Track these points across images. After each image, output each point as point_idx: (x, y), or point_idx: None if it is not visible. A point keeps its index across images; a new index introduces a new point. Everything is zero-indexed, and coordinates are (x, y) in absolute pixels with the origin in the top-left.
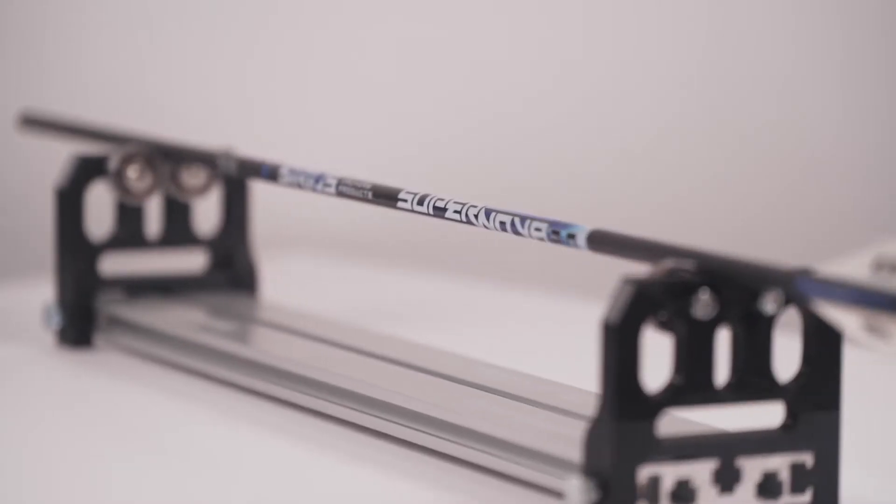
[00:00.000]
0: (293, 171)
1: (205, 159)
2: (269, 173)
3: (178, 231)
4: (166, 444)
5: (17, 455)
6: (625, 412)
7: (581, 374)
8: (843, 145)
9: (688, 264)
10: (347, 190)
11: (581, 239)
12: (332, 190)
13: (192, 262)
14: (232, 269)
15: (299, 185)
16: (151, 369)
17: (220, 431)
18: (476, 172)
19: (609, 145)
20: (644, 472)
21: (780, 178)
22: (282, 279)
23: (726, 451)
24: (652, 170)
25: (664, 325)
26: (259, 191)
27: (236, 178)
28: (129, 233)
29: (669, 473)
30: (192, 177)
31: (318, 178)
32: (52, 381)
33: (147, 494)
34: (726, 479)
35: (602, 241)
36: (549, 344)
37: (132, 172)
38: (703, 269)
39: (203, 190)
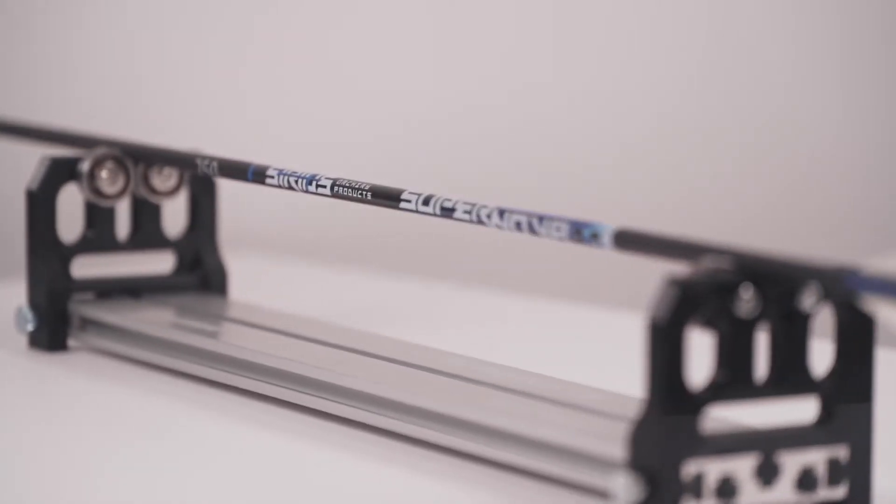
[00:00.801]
0: (283, 173)
1: (184, 162)
2: (256, 174)
3: (147, 233)
4: (150, 442)
5: None
6: (672, 409)
7: (558, 369)
8: (843, 145)
9: (728, 262)
10: (344, 191)
11: (606, 238)
12: (327, 191)
13: (160, 263)
14: (201, 271)
15: (290, 187)
16: (128, 369)
17: (205, 429)
18: (455, 171)
19: (606, 145)
20: (689, 468)
21: (779, 178)
22: (248, 280)
23: (766, 446)
24: (651, 170)
25: (707, 324)
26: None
27: (209, 179)
28: (99, 235)
29: (713, 469)
30: (163, 179)
31: (311, 180)
32: (28, 384)
33: (136, 491)
34: (766, 474)
35: (630, 241)
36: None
37: (104, 175)
38: (743, 267)
39: (174, 192)
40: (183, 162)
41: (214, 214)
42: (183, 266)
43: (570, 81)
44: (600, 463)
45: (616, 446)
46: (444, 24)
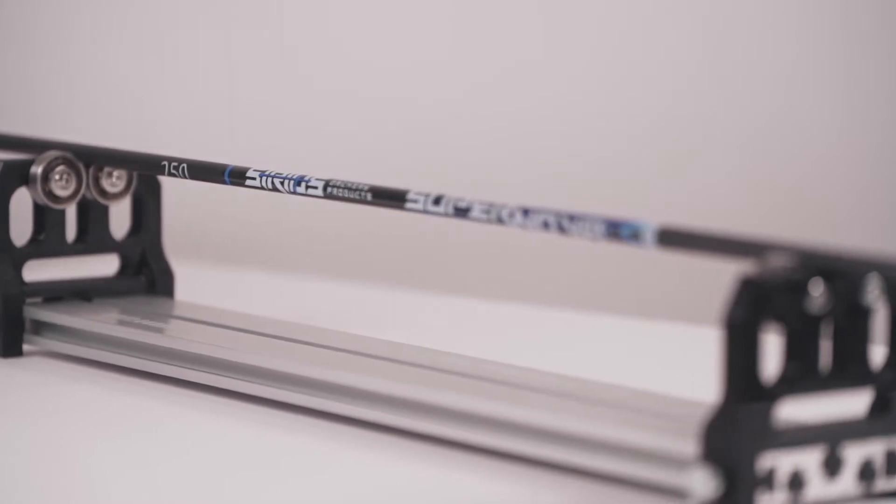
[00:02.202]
0: (266, 174)
1: (150, 164)
2: (234, 176)
3: (96, 236)
4: (120, 441)
5: None
6: (749, 403)
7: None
8: (843, 145)
9: (794, 259)
10: (339, 192)
11: (648, 236)
12: (319, 192)
13: (106, 266)
14: (149, 273)
15: (274, 189)
16: (88, 371)
17: (174, 424)
18: (439, 172)
19: (604, 145)
20: (764, 462)
21: (779, 177)
22: (193, 285)
23: (831, 438)
24: (650, 170)
25: (778, 320)
26: None
27: (154, 181)
28: (50, 239)
29: (785, 462)
30: (113, 182)
31: (300, 181)
32: None
33: (113, 488)
34: (832, 466)
35: (675, 239)
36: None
37: (57, 178)
38: (811, 264)
39: (123, 194)
40: (148, 164)
41: (160, 217)
42: (129, 269)
43: (567, 80)
44: (667, 460)
45: (685, 442)
46: (437, 24)
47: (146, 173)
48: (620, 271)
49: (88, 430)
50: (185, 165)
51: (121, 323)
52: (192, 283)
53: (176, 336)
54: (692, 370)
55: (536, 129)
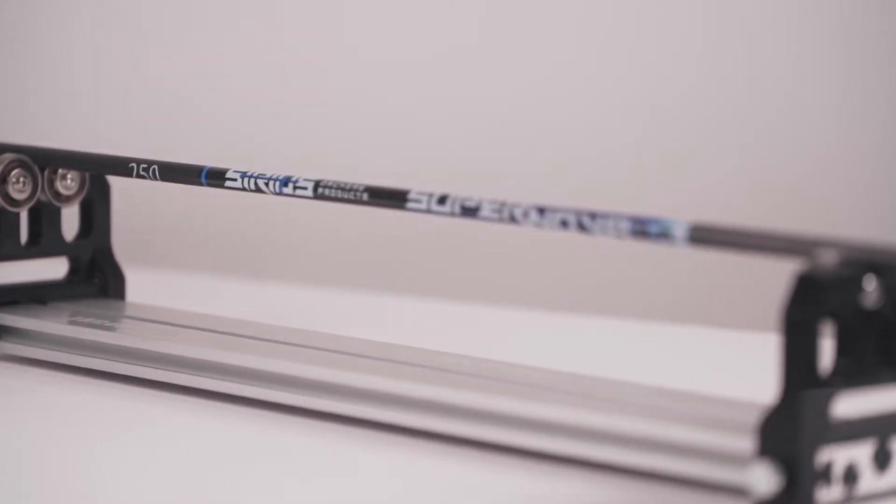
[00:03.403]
0: (248, 175)
1: (116, 166)
2: (212, 177)
3: (49, 239)
4: (97, 441)
5: None
6: (808, 399)
7: None
8: (843, 145)
9: (845, 255)
10: (332, 192)
11: (680, 234)
12: (308, 193)
13: (56, 269)
14: (100, 275)
15: (258, 190)
16: (53, 374)
17: (150, 424)
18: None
19: (604, 145)
20: (821, 456)
21: (778, 178)
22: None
23: (882, 431)
24: (648, 170)
25: (833, 315)
26: None
27: (103, 183)
28: (4, 242)
29: (840, 455)
30: (66, 184)
31: (287, 181)
32: None
33: (95, 486)
34: (882, 459)
35: (708, 236)
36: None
37: (14, 181)
38: (860, 259)
39: (76, 197)
40: (113, 166)
41: (109, 219)
42: (79, 272)
43: (567, 80)
44: (723, 458)
45: (741, 439)
46: (437, 23)
47: (112, 175)
48: (623, 272)
49: (61, 431)
50: (155, 167)
51: (85, 325)
52: (145, 285)
53: (141, 336)
54: (713, 371)
55: (536, 128)
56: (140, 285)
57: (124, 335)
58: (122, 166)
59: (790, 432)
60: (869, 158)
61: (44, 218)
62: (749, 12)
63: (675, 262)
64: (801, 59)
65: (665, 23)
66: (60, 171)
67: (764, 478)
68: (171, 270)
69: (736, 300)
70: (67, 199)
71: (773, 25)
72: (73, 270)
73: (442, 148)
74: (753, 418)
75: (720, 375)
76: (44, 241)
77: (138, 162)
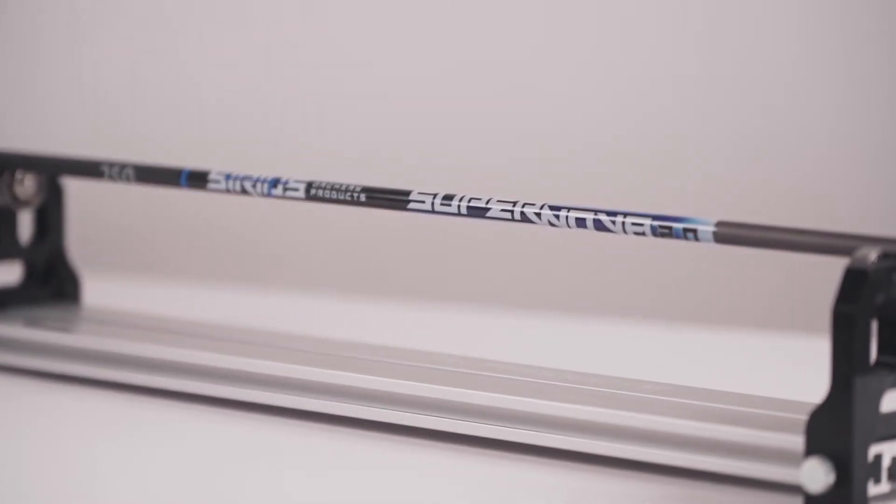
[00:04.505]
0: (233, 177)
1: (89, 169)
2: (192, 180)
3: (6, 243)
4: (82, 443)
5: None
6: (860, 394)
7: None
8: (842, 145)
9: (890, 250)
10: (326, 193)
11: (706, 232)
12: (300, 195)
13: (9, 274)
14: (56, 280)
15: (244, 191)
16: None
17: (144, 427)
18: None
19: (603, 145)
20: (872, 451)
21: (778, 179)
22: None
23: None
24: (648, 170)
25: (880, 310)
26: None
27: (57, 187)
28: None
29: (888, 451)
30: (25, 188)
31: (276, 182)
32: None
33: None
34: None
35: (733, 234)
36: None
37: None
38: None
39: (33, 200)
40: (86, 170)
41: (63, 223)
42: (34, 276)
43: (566, 81)
44: (773, 456)
45: (790, 437)
46: (435, 23)
47: (81, 178)
48: (623, 273)
49: (18, 433)
50: (130, 170)
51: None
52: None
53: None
54: (742, 372)
55: (533, 128)
56: (129, 291)
57: (80, 337)
58: (93, 169)
59: (842, 428)
60: (869, 158)
61: (2, 222)
62: (749, 12)
63: (699, 262)
64: (800, 58)
65: (665, 23)
66: (17, 174)
67: (816, 474)
68: (162, 277)
69: (759, 301)
70: (25, 203)
71: (773, 25)
72: (28, 274)
73: (419, 150)
74: (799, 415)
75: (750, 376)
76: (1, 245)
77: (110, 164)
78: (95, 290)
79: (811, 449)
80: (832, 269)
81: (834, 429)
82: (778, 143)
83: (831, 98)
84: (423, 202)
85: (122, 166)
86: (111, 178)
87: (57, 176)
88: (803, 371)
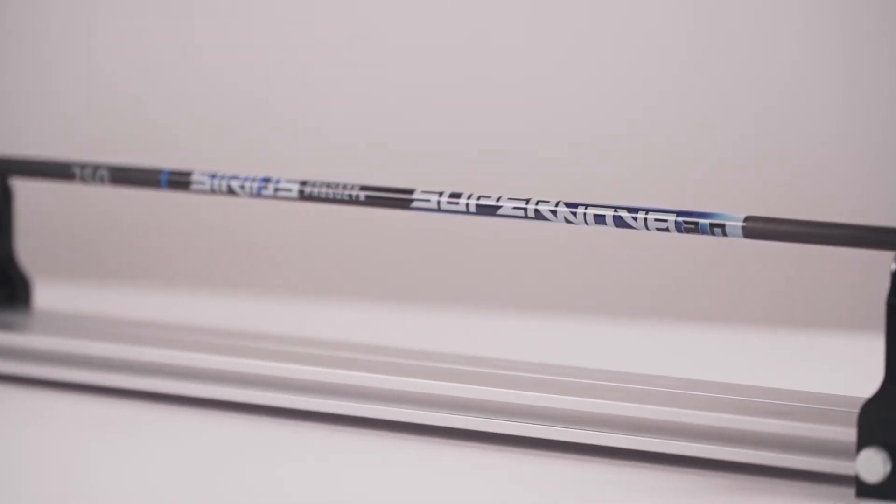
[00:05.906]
0: (219, 177)
1: (59, 171)
2: (174, 181)
3: None
4: (73, 443)
5: None
6: None
7: None
8: (842, 145)
9: None
10: (320, 192)
11: (734, 227)
12: (293, 195)
13: None
14: (9, 284)
15: (231, 192)
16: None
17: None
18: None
19: (603, 145)
20: None
21: (778, 179)
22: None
23: None
24: (647, 169)
25: None
26: None
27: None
28: None
29: None
30: None
31: (266, 182)
32: None
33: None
34: None
35: (766, 229)
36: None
37: None
38: None
39: None
40: (57, 171)
41: (12, 225)
42: None
43: (566, 81)
44: (825, 448)
45: (841, 430)
46: (435, 21)
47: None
48: (625, 273)
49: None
50: (104, 171)
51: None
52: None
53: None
54: (782, 368)
55: (532, 127)
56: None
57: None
58: (63, 171)
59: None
60: (869, 157)
61: None
62: (749, 12)
63: (728, 259)
64: (800, 58)
65: (666, 23)
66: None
67: (874, 464)
68: (163, 283)
69: (782, 298)
70: None
71: (773, 25)
72: None
73: (418, 154)
74: (849, 409)
75: (790, 372)
76: None
77: (82, 165)
78: (96, 296)
79: (865, 440)
80: (841, 265)
81: (890, 418)
82: (778, 143)
83: (831, 98)
84: (427, 201)
85: (96, 167)
86: (83, 179)
87: (8, 178)
88: (833, 367)
